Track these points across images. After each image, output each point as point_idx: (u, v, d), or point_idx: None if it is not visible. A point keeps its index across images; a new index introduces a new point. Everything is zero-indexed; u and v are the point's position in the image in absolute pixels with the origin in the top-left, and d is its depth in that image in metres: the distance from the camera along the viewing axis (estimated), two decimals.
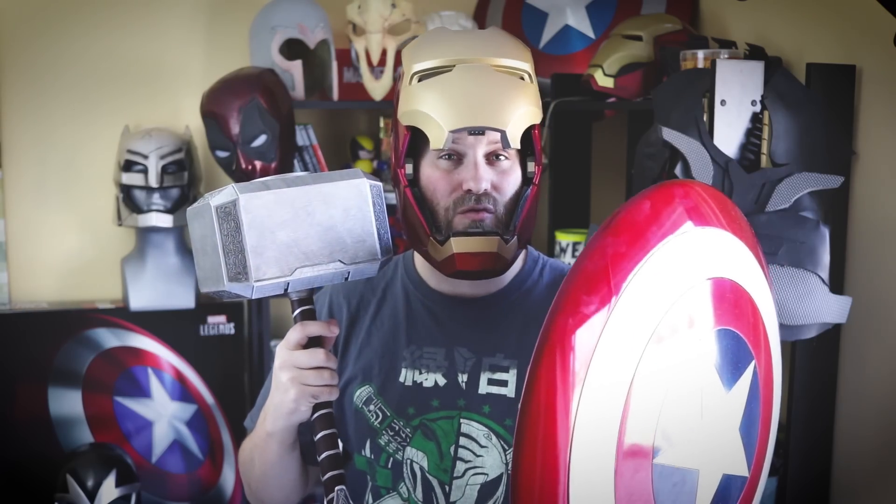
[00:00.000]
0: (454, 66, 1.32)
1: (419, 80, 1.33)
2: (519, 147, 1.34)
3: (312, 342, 1.30)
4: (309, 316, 1.31)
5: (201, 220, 1.25)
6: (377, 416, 1.42)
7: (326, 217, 1.27)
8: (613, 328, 1.03)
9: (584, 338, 1.02)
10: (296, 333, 1.30)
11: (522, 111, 1.32)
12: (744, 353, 1.17)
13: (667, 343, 1.07)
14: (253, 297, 1.25)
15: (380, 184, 1.33)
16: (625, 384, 1.04)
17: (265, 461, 1.43)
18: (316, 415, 1.30)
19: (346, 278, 1.31)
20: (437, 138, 1.30)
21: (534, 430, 1.02)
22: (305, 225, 1.25)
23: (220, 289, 1.24)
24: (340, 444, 1.38)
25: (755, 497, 1.24)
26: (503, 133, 1.30)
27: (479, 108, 1.30)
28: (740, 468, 1.18)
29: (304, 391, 1.29)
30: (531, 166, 1.38)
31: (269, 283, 1.23)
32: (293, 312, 1.31)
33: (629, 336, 1.05)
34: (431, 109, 1.31)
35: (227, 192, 1.23)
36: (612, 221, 1.08)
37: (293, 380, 1.28)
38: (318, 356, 1.28)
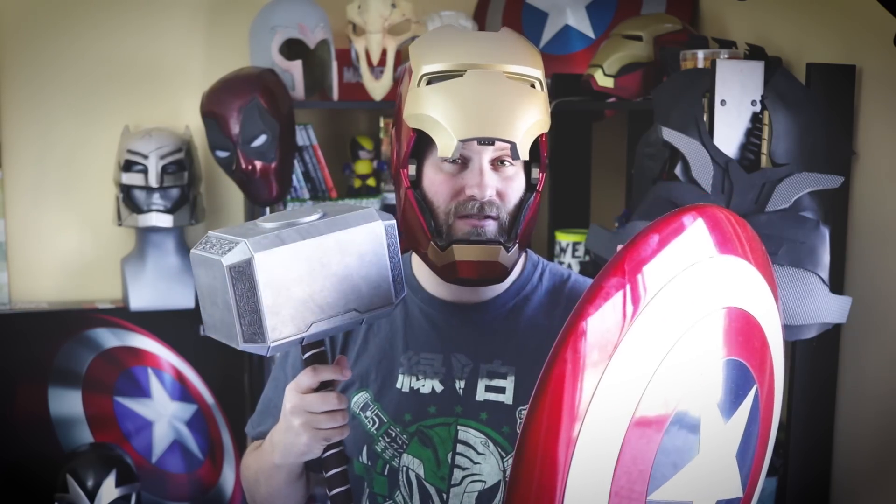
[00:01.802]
0: (465, 71, 1.29)
1: (428, 83, 1.30)
2: (528, 158, 1.32)
3: (323, 385, 1.28)
4: (320, 359, 1.28)
5: (210, 272, 1.17)
6: (374, 423, 1.41)
7: (342, 266, 1.21)
8: (613, 372, 1.00)
9: (587, 382, 0.99)
10: (307, 378, 1.26)
11: (533, 122, 1.30)
12: (746, 380, 1.14)
13: (668, 384, 1.04)
14: (267, 356, 1.20)
15: (393, 221, 1.28)
16: (625, 420, 1.01)
17: (272, 486, 1.42)
18: (328, 453, 1.29)
19: (361, 324, 1.27)
20: (446, 147, 1.28)
21: (531, 462, 0.99)
22: (321, 277, 1.20)
23: (233, 345, 1.19)
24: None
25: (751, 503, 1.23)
26: (513, 145, 1.28)
27: (490, 118, 1.27)
28: (734, 491, 1.17)
29: (316, 435, 1.26)
30: (535, 173, 1.36)
31: (285, 341, 1.19)
32: (303, 356, 1.28)
33: (628, 381, 1.01)
34: (441, 116, 1.28)
35: (240, 250, 1.14)
36: (619, 257, 1.02)
37: (305, 425, 1.26)
38: (330, 400, 1.26)
